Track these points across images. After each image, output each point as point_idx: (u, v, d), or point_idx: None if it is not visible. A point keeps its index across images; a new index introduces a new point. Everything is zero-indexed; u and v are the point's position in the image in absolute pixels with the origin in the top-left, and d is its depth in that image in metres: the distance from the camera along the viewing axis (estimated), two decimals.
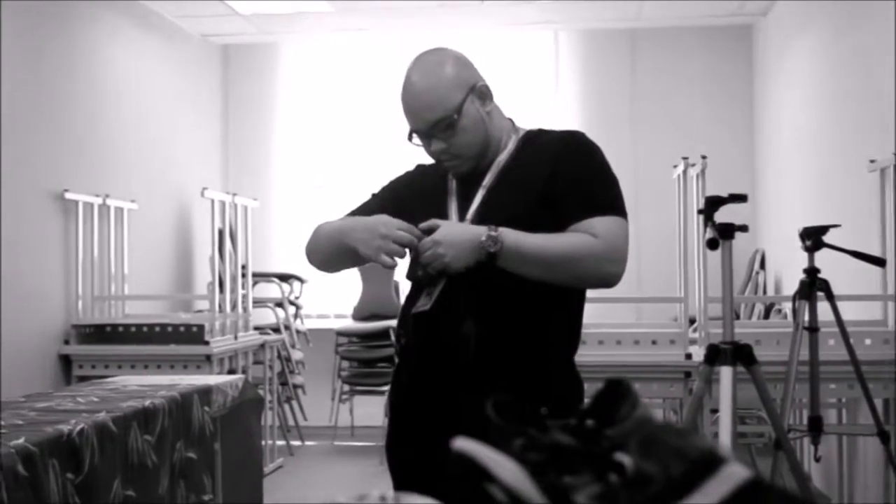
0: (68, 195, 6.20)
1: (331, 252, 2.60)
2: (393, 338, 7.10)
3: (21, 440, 2.90)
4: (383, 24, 8.16)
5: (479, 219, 2.41)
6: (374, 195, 2.69)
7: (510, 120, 2.59)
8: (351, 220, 2.53)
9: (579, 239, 2.36)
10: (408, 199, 2.58)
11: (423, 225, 2.36)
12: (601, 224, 2.37)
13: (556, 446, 0.83)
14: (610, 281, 2.40)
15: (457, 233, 2.34)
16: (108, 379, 4.83)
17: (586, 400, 2.21)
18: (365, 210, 2.59)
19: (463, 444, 0.81)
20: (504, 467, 0.79)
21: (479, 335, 2.37)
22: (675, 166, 5.69)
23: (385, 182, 2.72)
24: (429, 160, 2.58)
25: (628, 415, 0.89)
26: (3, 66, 5.69)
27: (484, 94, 2.48)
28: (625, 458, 0.84)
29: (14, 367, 5.65)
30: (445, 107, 2.42)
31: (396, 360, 2.62)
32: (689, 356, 5.10)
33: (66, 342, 6.25)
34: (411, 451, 2.49)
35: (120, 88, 7.03)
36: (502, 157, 2.51)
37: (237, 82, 8.93)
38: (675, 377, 5.13)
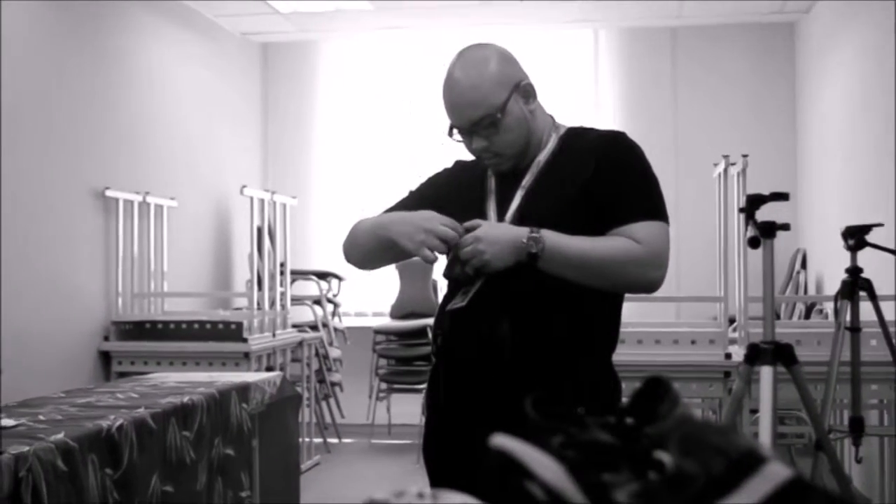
0: (109, 192, 6.25)
1: (370, 247, 2.58)
2: (430, 336, 7.10)
3: (61, 435, 2.92)
4: (422, 22, 8.15)
5: (518, 220, 2.39)
6: (411, 192, 2.67)
7: (551, 116, 2.56)
8: (392, 215, 2.51)
9: (622, 244, 2.33)
10: (446, 195, 2.57)
11: (467, 224, 2.34)
12: (644, 229, 2.35)
13: (596, 444, 0.82)
14: (651, 287, 2.39)
15: (498, 232, 2.32)
16: (147, 375, 4.85)
17: (624, 399, 2.20)
18: (403, 206, 2.58)
19: (501, 441, 0.80)
20: (543, 465, 0.78)
21: (514, 337, 2.36)
22: (716, 165, 5.65)
23: (423, 179, 2.70)
24: (468, 156, 2.56)
25: (668, 413, 0.88)
26: (48, 66, 5.74)
27: (528, 92, 2.45)
28: (665, 457, 0.83)
29: (55, 363, 5.70)
30: (489, 105, 2.38)
31: (433, 358, 2.61)
32: (728, 356, 5.06)
33: (106, 339, 6.30)
34: (448, 449, 2.48)
35: (160, 87, 7.07)
36: (542, 157, 2.48)
37: (277, 80, 8.96)
38: (715, 377, 5.10)
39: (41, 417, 3.27)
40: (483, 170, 2.54)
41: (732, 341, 5.19)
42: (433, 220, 2.37)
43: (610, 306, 2.49)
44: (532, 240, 2.28)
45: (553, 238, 2.30)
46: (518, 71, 2.46)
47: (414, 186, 2.69)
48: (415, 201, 2.57)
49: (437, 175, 2.68)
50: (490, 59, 2.42)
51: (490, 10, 7.70)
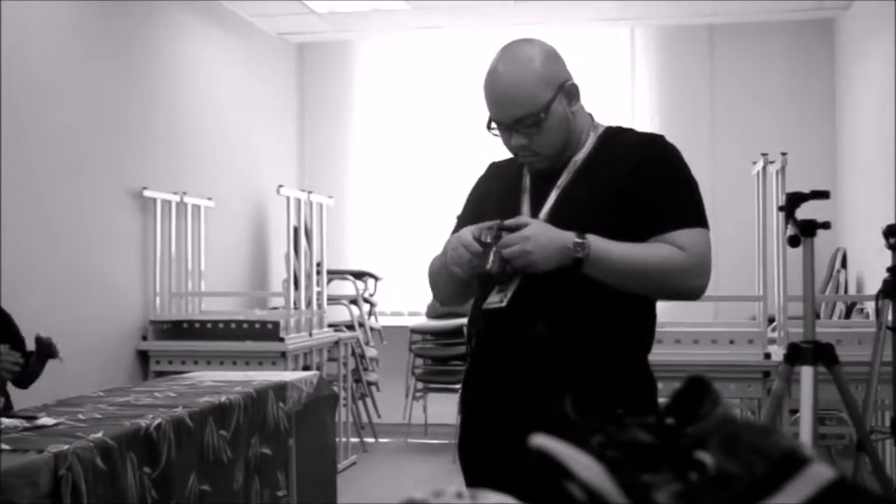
0: (147, 193, 6.28)
1: (451, 286, 2.55)
2: (466, 335, 7.09)
3: (100, 434, 2.93)
4: (459, 21, 8.15)
5: (552, 220, 2.37)
6: (458, 217, 2.65)
7: (590, 115, 2.53)
8: (445, 246, 2.49)
9: (666, 252, 2.32)
10: (484, 199, 2.57)
11: (510, 221, 2.32)
12: (687, 237, 2.34)
13: (636, 444, 0.81)
14: (694, 295, 2.39)
15: (546, 234, 2.30)
16: (185, 374, 4.87)
17: (661, 399, 2.18)
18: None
19: (541, 440, 0.79)
20: (583, 465, 0.77)
21: (551, 338, 2.34)
22: (755, 163, 5.61)
23: (464, 196, 2.68)
24: (505, 154, 2.54)
25: (709, 412, 0.87)
26: (87, 67, 5.78)
27: (572, 93, 2.42)
28: (706, 457, 0.82)
29: (93, 362, 5.74)
30: (533, 104, 2.35)
31: (468, 358, 2.60)
32: (767, 356, 5.02)
33: (144, 338, 6.34)
34: (484, 448, 2.47)
35: (197, 87, 7.11)
36: (580, 157, 2.46)
37: (313, 80, 8.98)
38: (754, 377, 5.06)
39: (80, 416, 3.28)
40: (518, 168, 2.53)
41: (771, 341, 5.15)
42: (462, 235, 2.38)
43: (646, 306, 2.48)
44: (578, 245, 2.27)
45: (599, 244, 2.28)
46: (564, 70, 2.43)
47: (459, 211, 2.66)
48: (462, 225, 2.54)
49: (474, 187, 2.67)
50: (537, 57, 2.39)
51: (526, 9, 7.68)
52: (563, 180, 2.44)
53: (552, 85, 2.38)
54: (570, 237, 2.28)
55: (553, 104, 2.37)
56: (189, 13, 7.01)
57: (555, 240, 2.29)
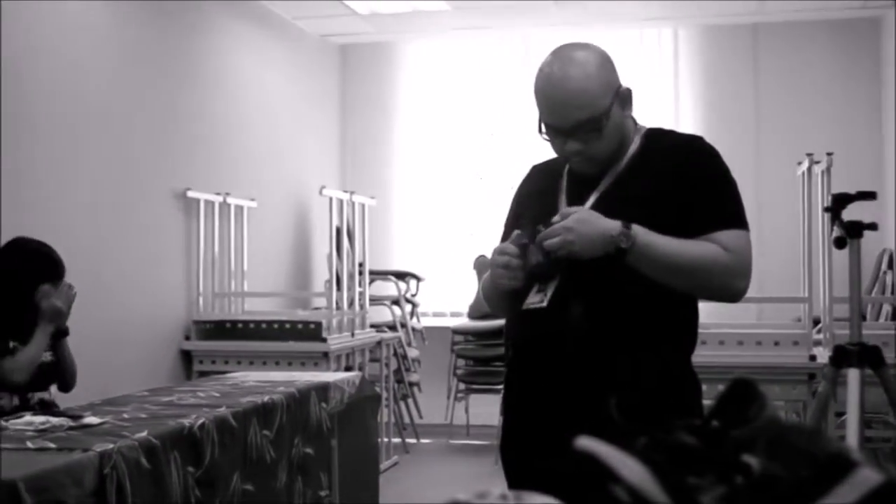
0: (190, 194, 6.33)
1: (502, 300, 2.53)
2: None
3: (144, 433, 2.96)
4: (501, 22, 8.14)
5: None
6: (504, 225, 2.63)
7: (633, 118, 2.52)
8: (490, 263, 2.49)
9: (711, 250, 2.31)
10: (524, 202, 2.57)
11: (556, 217, 2.31)
12: (729, 238, 2.33)
13: (681, 447, 0.80)
14: (735, 297, 2.38)
15: (590, 221, 2.28)
16: (228, 374, 4.90)
17: (707, 401, 2.16)
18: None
19: (586, 443, 0.79)
20: (629, 467, 0.77)
21: (586, 318, 2.33)
22: (800, 163, 5.56)
23: (505, 197, 2.68)
24: (546, 153, 2.52)
25: (756, 416, 0.86)
26: (131, 70, 5.83)
27: (626, 98, 2.41)
28: (752, 460, 0.81)
29: (138, 362, 5.79)
30: (595, 108, 2.33)
31: (507, 366, 2.60)
32: (812, 358, 4.98)
33: (187, 338, 6.38)
34: (526, 450, 2.47)
35: (240, 89, 7.14)
36: (623, 160, 2.44)
37: (355, 82, 9.00)
38: (799, 379, 5.02)
39: (125, 415, 3.31)
40: (558, 170, 2.51)
41: (816, 343, 5.10)
42: (498, 245, 2.38)
43: (689, 307, 2.46)
44: (623, 234, 2.25)
45: (644, 235, 2.26)
46: (616, 75, 2.41)
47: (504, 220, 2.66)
48: (509, 234, 2.53)
49: (516, 192, 2.66)
50: (595, 61, 2.36)
51: (568, 9, 7.66)
52: (604, 183, 2.42)
53: (610, 90, 2.36)
54: (615, 226, 2.26)
55: (612, 109, 2.36)
56: (233, 15, 7.05)
57: (598, 228, 2.27)
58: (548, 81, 2.37)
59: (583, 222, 2.28)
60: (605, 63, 2.39)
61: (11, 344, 3.84)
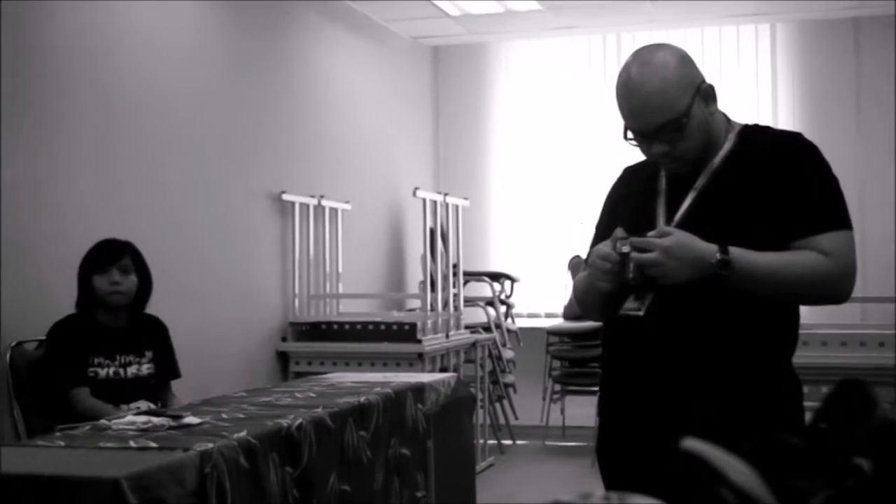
0: (286, 197, 6.39)
1: (599, 301, 2.50)
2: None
3: (243, 433, 2.98)
4: (594, 21, 8.09)
5: (687, 224, 2.32)
6: (595, 227, 2.62)
7: (724, 114, 2.48)
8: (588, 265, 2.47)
9: (812, 261, 2.27)
10: (619, 206, 2.55)
11: (652, 233, 2.28)
12: (831, 241, 2.28)
13: (789, 448, 0.78)
14: (841, 300, 2.35)
15: (685, 247, 2.26)
16: (324, 375, 4.93)
17: (809, 403, 2.12)
18: (594, 247, 2.52)
19: (693, 444, 0.77)
20: (736, 469, 0.75)
21: (683, 321, 2.31)
22: None
23: (600, 197, 2.66)
24: (640, 153, 2.50)
25: (866, 417, 0.83)
26: (226, 74, 5.90)
27: (708, 95, 2.38)
28: (863, 463, 0.78)
29: (235, 363, 5.87)
30: (674, 110, 2.31)
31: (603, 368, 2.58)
32: None
33: (284, 339, 6.44)
34: (624, 452, 2.45)
35: (334, 92, 7.20)
36: (717, 159, 2.40)
37: (448, 83, 9.02)
38: None
39: (224, 416, 3.35)
40: (653, 172, 2.48)
41: None
42: (600, 248, 2.36)
43: (789, 310, 2.42)
44: (722, 263, 2.22)
45: (742, 260, 2.23)
46: (698, 72, 2.39)
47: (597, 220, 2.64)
48: (600, 236, 2.51)
49: (608, 195, 2.65)
50: (672, 62, 2.34)
51: (663, 8, 7.58)
52: (699, 183, 2.39)
53: (689, 88, 2.33)
54: (711, 252, 2.23)
55: (692, 108, 2.32)
56: (325, 19, 7.10)
57: (693, 252, 2.24)
58: (625, 87, 2.36)
59: (680, 247, 2.25)
60: (683, 62, 2.36)
61: (95, 361, 3.93)
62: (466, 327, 7.26)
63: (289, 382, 5.39)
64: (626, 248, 2.30)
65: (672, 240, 2.25)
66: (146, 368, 4.09)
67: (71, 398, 3.87)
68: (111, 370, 3.99)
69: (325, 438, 3.41)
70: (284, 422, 3.22)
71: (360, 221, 7.36)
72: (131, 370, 4.04)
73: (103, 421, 3.18)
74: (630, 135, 2.39)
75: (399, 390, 4.11)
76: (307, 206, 6.66)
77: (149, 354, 4.12)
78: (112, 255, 4.04)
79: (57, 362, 3.95)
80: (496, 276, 8.03)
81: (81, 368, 3.93)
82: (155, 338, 4.19)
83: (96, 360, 3.97)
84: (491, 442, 7.39)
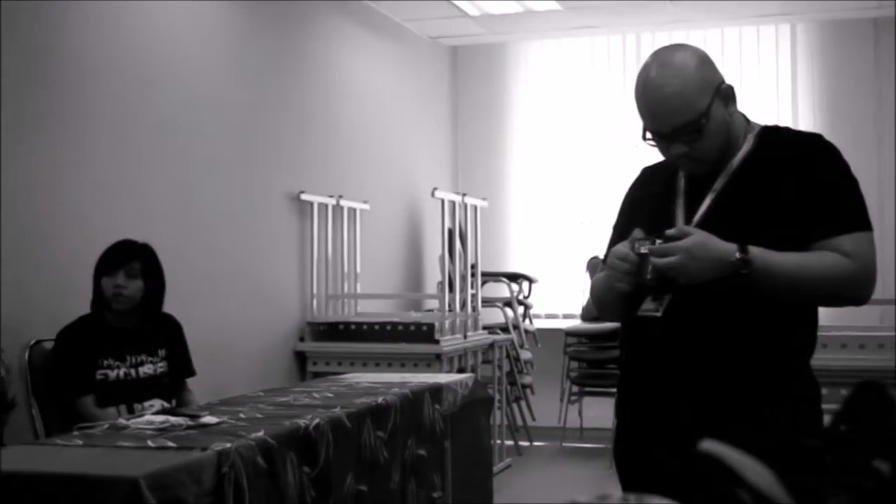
0: (304, 196, 6.40)
1: (615, 302, 2.49)
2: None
3: (261, 433, 2.99)
4: (614, 21, 8.07)
5: (706, 225, 2.31)
6: (613, 227, 2.61)
7: (743, 115, 2.47)
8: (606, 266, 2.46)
9: (832, 262, 2.25)
10: (638, 205, 2.54)
11: (671, 232, 2.27)
12: (851, 243, 2.27)
13: (807, 451, 0.78)
14: (861, 302, 2.33)
15: (705, 247, 2.24)
16: (342, 375, 4.94)
17: (828, 406, 2.10)
18: (612, 247, 2.51)
19: (711, 446, 0.77)
20: (755, 471, 0.75)
21: (700, 323, 2.30)
22: None
23: (618, 199, 2.65)
24: (659, 154, 2.49)
25: (886, 420, 0.83)
26: (244, 74, 5.92)
27: (728, 95, 2.37)
28: (883, 465, 0.78)
29: (253, 363, 5.88)
30: (693, 111, 2.30)
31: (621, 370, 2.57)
32: None
33: (301, 339, 6.45)
34: (641, 454, 2.44)
35: (352, 92, 7.21)
36: (736, 160, 2.39)
37: (467, 83, 9.01)
38: None
39: (242, 415, 3.35)
40: (672, 172, 2.48)
41: None
42: (618, 248, 2.35)
43: (808, 312, 2.41)
44: (741, 261, 2.21)
45: (762, 260, 2.22)
46: (717, 73, 2.38)
47: (614, 221, 2.63)
48: (618, 236, 2.51)
49: (627, 194, 2.64)
50: (691, 63, 2.33)
51: (683, 8, 7.56)
52: (718, 184, 2.38)
53: (709, 89, 2.32)
54: (731, 251, 2.22)
55: (712, 109, 2.31)
56: (343, 19, 7.11)
57: (713, 252, 2.23)
58: (644, 87, 2.35)
59: (699, 247, 2.23)
60: (703, 63, 2.35)
61: (104, 363, 3.93)
62: (484, 328, 7.25)
63: (306, 382, 5.40)
64: (644, 249, 2.29)
65: (692, 240, 2.24)
66: (160, 367, 4.09)
67: (76, 408, 3.87)
68: (122, 371, 3.98)
69: (343, 439, 3.41)
70: (302, 422, 3.22)
71: (378, 222, 7.36)
72: (144, 370, 4.03)
73: (121, 420, 3.19)
74: (649, 135, 2.38)
75: (416, 391, 4.11)
76: (326, 206, 6.66)
77: (162, 353, 4.11)
78: (122, 257, 4.02)
79: (62, 370, 3.94)
80: (514, 277, 8.03)
81: (87, 375, 3.91)
82: (168, 336, 4.19)
83: (105, 363, 3.95)
84: (508, 443, 7.39)
